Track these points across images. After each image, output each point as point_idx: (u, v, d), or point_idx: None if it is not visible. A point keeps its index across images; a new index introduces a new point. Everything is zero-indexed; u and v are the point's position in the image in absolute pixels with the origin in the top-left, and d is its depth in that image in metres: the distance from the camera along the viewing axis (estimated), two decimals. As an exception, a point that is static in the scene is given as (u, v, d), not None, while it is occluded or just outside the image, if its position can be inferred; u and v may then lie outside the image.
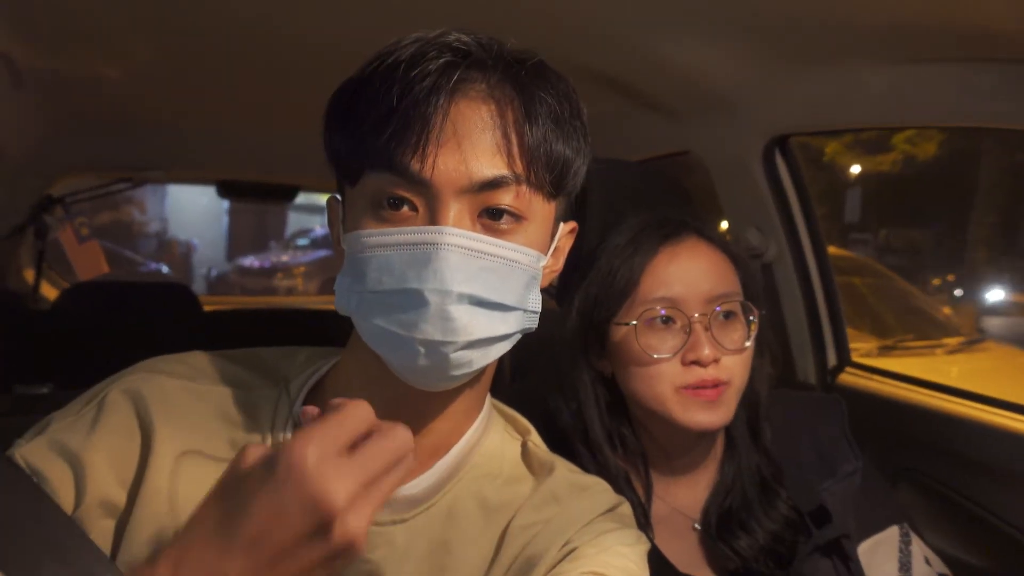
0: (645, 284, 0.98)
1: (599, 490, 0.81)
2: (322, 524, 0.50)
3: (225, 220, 16.30)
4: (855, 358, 1.68)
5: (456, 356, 0.65)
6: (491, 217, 0.66)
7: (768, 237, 1.60)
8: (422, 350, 0.64)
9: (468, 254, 0.64)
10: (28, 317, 2.13)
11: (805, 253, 1.61)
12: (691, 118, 1.53)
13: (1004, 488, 1.28)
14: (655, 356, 0.96)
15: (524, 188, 0.66)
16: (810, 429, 1.08)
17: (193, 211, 15.34)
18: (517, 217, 0.67)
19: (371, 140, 0.64)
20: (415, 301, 0.63)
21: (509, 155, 0.66)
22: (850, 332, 1.72)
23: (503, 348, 0.70)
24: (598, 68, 1.31)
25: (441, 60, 0.65)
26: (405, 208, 0.65)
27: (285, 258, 13.15)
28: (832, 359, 1.66)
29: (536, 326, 0.72)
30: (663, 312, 0.96)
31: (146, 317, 1.86)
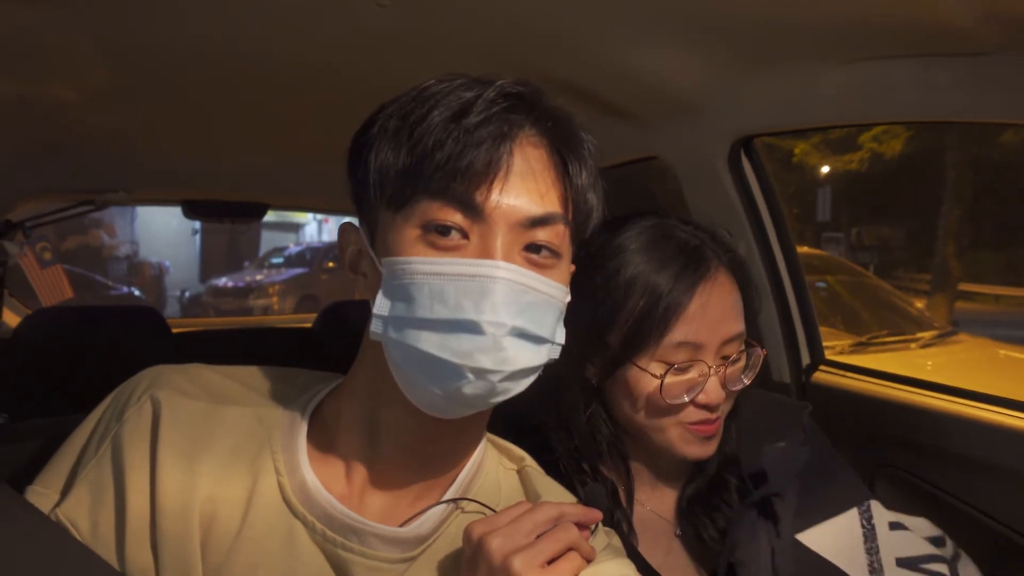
0: (674, 330, 0.94)
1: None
2: None
3: (197, 241, 16.13)
4: (829, 356, 1.69)
5: (500, 385, 0.68)
6: (533, 251, 0.70)
7: (737, 239, 1.61)
8: (472, 378, 0.67)
9: (518, 288, 0.67)
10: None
11: (775, 253, 1.62)
12: (656, 123, 1.54)
13: (982, 480, 1.29)
14: (671, 401, 0.95)
15: (563, 228, 0.72)
16: (774, 434, 1.07)
17: (164, 233, 15.17)
18: (555, 254, 0.72)
19: (433, 169, 0.67)
20: (471, 331, 0.66)
21: (557, 196, 0.72)
22: (824, 330, 1.73)
23: (532, 379, 0.73)
24: (562, 77, 1.31)
25: (504, 103, 0.70)
26: (456, 235, 0.68)
27: (260, 277, 12.99)
28: (806, 358, 1.67)
29: (558, 357, 0.74)
30: (685, 360, 0.95)
31: (111, 342, 1.82)
